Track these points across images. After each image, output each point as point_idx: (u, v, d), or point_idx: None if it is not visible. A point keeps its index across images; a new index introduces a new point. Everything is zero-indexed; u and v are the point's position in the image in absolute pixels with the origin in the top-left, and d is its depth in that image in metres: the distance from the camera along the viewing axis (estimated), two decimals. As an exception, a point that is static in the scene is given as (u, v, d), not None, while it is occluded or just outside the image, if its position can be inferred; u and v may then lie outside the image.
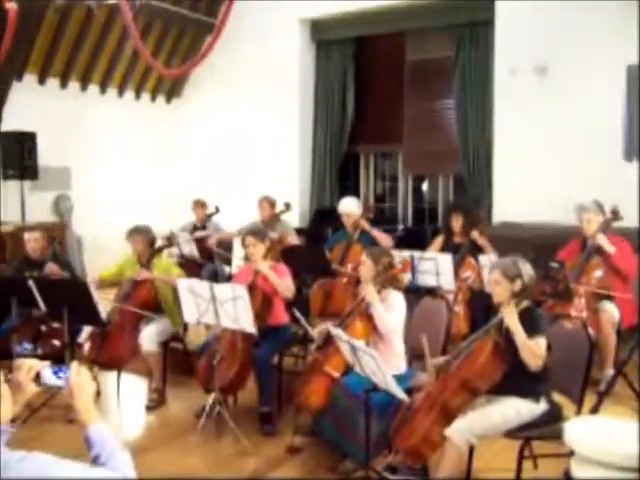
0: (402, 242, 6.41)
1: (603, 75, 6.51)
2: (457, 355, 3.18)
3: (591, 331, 3.28)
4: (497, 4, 7.18)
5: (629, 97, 6.30)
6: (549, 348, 3.03)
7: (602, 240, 4.68)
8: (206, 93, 9.39)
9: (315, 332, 3.99)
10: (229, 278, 6.00)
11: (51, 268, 5.11)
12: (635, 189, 6.05)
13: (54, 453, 1.71)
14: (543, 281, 3.17)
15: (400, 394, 3.06)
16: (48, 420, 4.29)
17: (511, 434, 3.07)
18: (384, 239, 5.60)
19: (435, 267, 4.90)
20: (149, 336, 4.67)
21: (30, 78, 7.97)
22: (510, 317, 3.02)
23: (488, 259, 4.83)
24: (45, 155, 7.74)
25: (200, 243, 6.75)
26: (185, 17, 8.81)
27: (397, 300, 3.73)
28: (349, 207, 5.82)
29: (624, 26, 6.34)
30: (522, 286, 3.10)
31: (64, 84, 8.36)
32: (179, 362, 5.10)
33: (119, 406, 4.78)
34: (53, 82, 8.26)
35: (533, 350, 2.97)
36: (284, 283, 4.36)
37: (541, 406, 3.08)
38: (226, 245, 6.96)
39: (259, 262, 4.35)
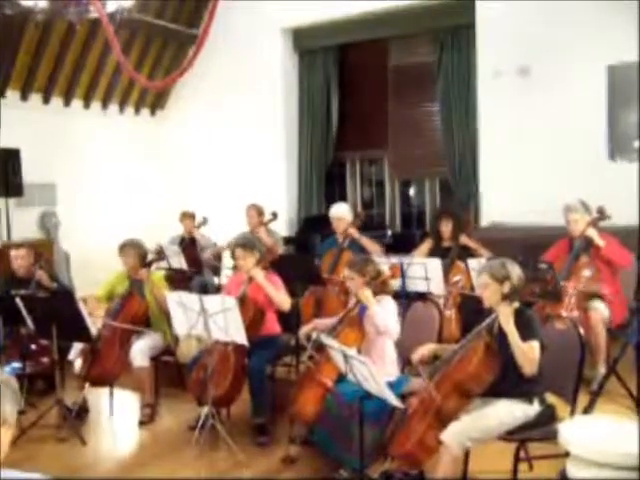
0: (391, 248, 6.40)
1: (585, 75, 6.57)
2: (449, 359, 3.17)
3: (582, 330, 3.29)
4: (477, 7, 7.23)
5: (610, 96, 6.36)
6: (544, 349, 3.02)
7: (592, 233, 4.73)
8: (190, 104, 9.38)
9: (301, 334, 4.01)
10: (218, 289, 5.97)
11: (40, 275, 5.08)
12: (620, 188, 6.09)
13: (48, 473, 1.67)
14: (532, 282, 3.16)
15: (393, 400, 3.05)
16: (40, 440, 4.24)
17: (506, 437, 3.07)
18: (373, 247, 5.58)
19: (424, 272, 4.90)
20: (140, 351, 4.62)
21: (12, 94, 7.92)
22: (505, 320, 3.01)
23: (478, 262, 4.83)
24: (30, 171, 7.69)
25: (188, 254, 6.72)
26: (167, 29, 8.81)
27: (390, 304, 3.75)
28: (340, 212, 5.81)
29: (605, 26, 6.41)
30: (511, 288, 3.09)
31: (47, 99, 8.32)
32: (171, 375, 5.06)
33: (112, 422, 4.74)
34: (36, 98, 8.22)
35: (527, 355, 2.97)
36: (281, 296, 4.35)
37: (535, 407, 3.08)
38: (215, 256, 6.98)
39: (255, 270, 4.32)
